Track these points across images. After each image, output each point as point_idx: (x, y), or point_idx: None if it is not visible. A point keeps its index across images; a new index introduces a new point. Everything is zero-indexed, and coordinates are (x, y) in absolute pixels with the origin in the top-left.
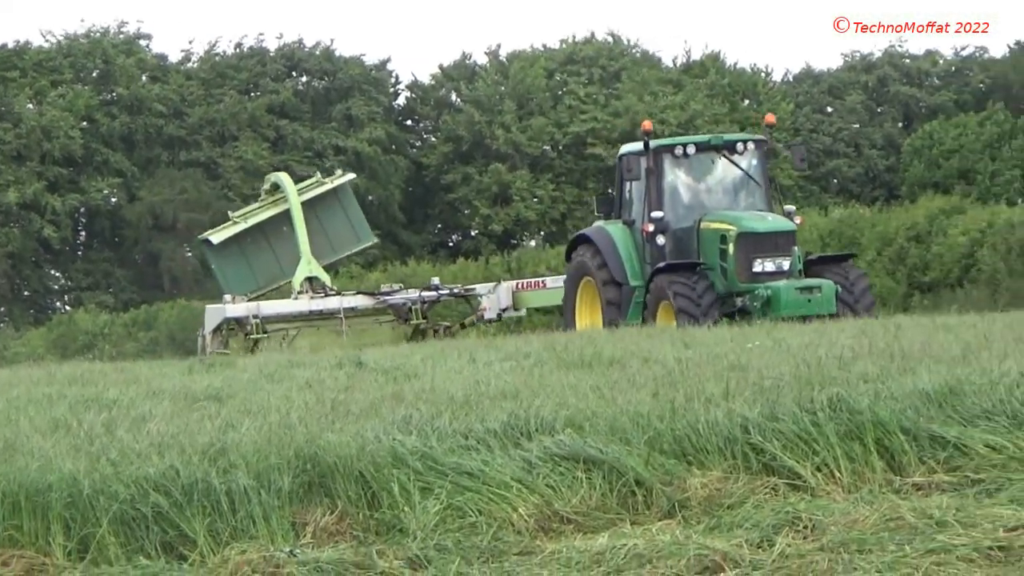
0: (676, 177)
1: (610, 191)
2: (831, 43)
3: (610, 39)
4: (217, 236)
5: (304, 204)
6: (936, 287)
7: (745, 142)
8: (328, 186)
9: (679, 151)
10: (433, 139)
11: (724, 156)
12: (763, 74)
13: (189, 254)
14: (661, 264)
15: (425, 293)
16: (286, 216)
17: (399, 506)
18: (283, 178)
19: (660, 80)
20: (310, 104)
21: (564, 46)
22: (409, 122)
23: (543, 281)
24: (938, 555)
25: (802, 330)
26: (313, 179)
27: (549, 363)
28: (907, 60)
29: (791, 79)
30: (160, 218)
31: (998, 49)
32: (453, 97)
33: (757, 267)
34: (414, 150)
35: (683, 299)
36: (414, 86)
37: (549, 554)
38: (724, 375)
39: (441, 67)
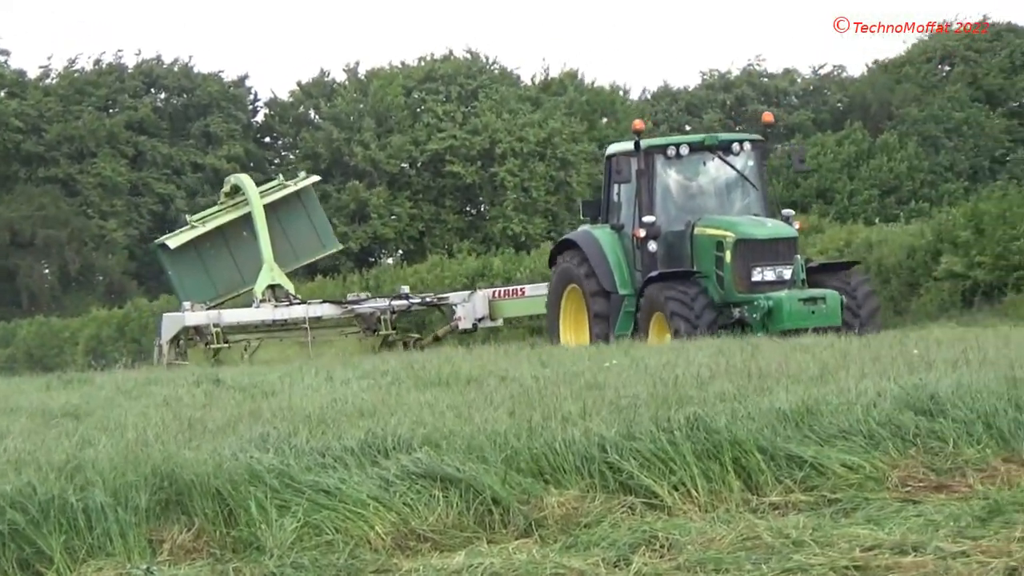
0: (668, 179)
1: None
2: (689, 61)
3: (468, 57)
4: (174, 240)
5: (266, 208)
6: None
7: (741, 142)
8: (291, 188)
9: (672, 151)
10: (292, 156)
11: (719, 157)
12: (621, 92)
13: (47, 271)
14: (654, 273)
15: (395, 302)
16: (246, 220)
17: (256, 524)
18: (244, 180)
19: (518, 98)
20: (168, 121)
21: (423, 64)
22: (267, 139)
23: (522, 289)
24: (795, 575)
25: (660, 349)
26: (275, 181)
27: (406, 381)
28: (765, 79)
29: (649, 97)
30: (18, 234)
31: (856, 68)
32: (312, 114)
33: (756, 276)
34: (272, 167)
35: (679, 316)
36: (272, 103)
37: (405, 572)
38: (581, 394)
39: (299, 84)
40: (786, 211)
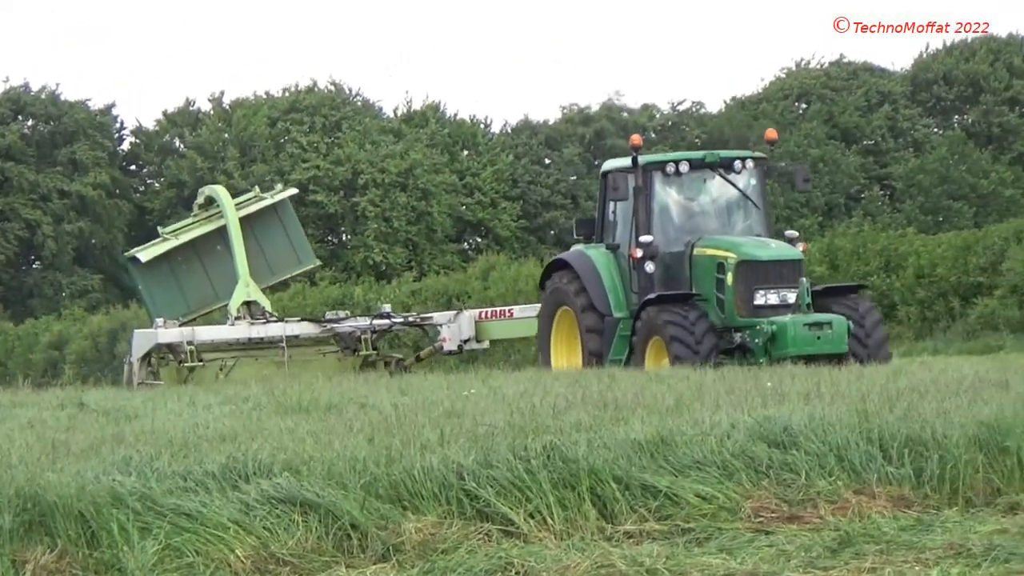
0: (667, 197)
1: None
2: (550, 95)
3: (332, 88)
4: (145, 254)
5: (241, 221)
6: None
7: (743, 160)
8: (267, 201)
9: (671, 168)
10: (157, 184)
11: (720, 175)
12: (482, 125)
13: None
14: (651, 295)
15: (376, 321)
16: (221, 234)
17: (118, 546)
18: (219, 191)
19: (381, 129)
20: (35, 147)
21: (287, 94)
22: (133, 167)
23: (510, 310)
24: None
25: (518, 378)
26: (251, 194)
27: (267, 407)
28: (625, 114)
29: (509, 130)
30: None
31: (714, 104)
32: (177, 143)
33: (759, 299)
34: (138, 194)
35: (678, 342)
36: (138, 131)
37: None
38: (440, 422)
39: (165, 113)
40: (790, 233)
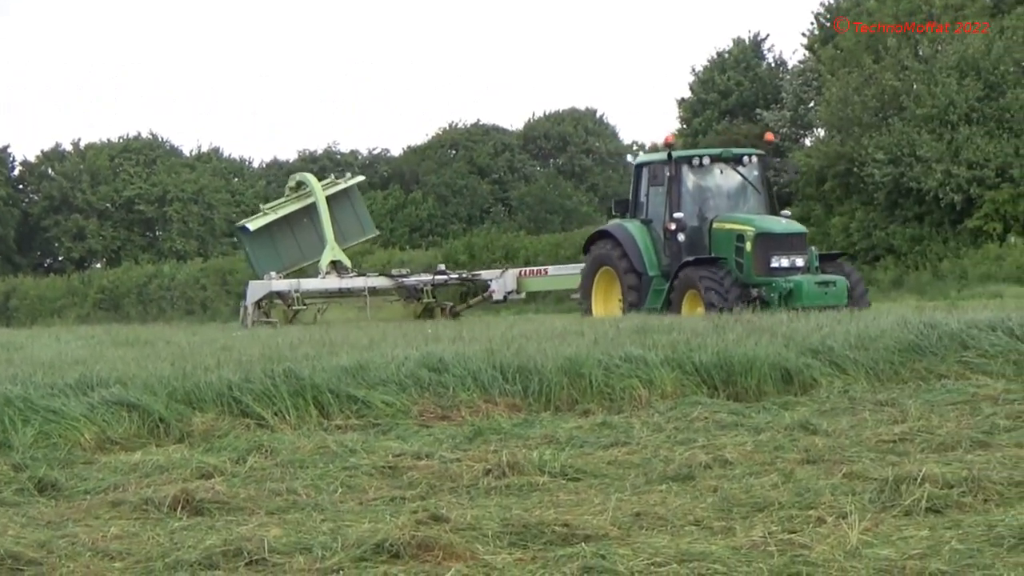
0: (692, 183)
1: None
2: (292, 140)
3: (150, 136)
4: (253, 224)
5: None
6: None
7: (750, 155)
8: (342, 185)
9: (696, 161)
10: (36, 197)
11: (731, 167)
12: (247, 162)
13: None
14: (689, 259)
15: (437, 277)
16: (306, 210)
17: (8, 431)
18: (309, 177)
19: (181, 164)
20: None
21: (121, 140)
22: (21, 186)
23: (545, 269)
24: (351, 471)
25: (254, 330)
26: (328, 179)
27: (107, 342)
28: (339, 155)
29: (264, 165)
30: None
31: (396, 150)
32: (49, 171)
33: (774, 263)
34: (24, 203)
35: (712, 291)
36: (25, 163)
37: (103, 464)
38: (217, 353)
39: (42, 151)
40: (785, 212)
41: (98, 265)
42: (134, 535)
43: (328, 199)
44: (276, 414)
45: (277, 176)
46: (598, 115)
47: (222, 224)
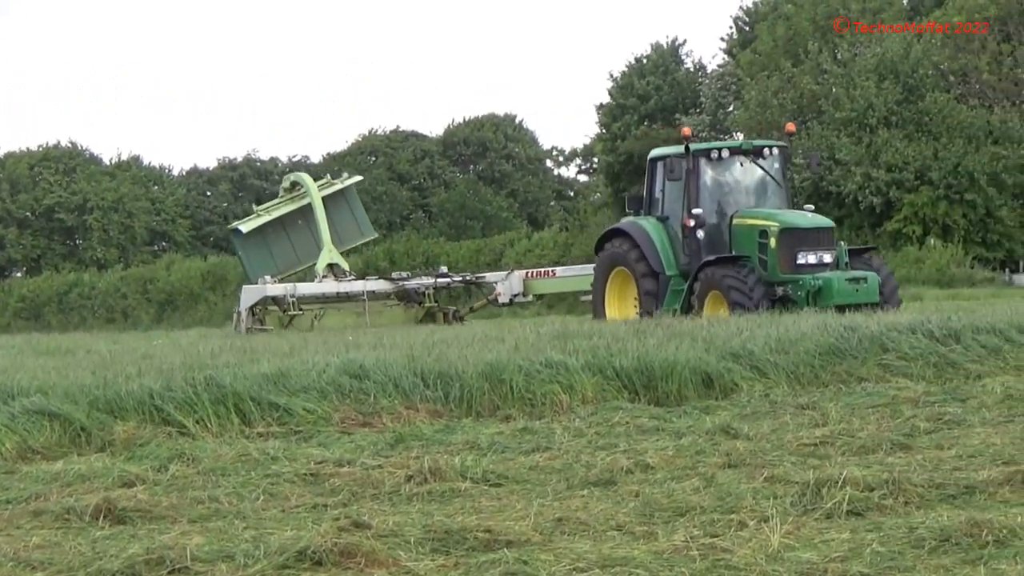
0: (711, 177)
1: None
2: (212, 148)
3: (70, 145)
4: (246, 226)
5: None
6: None
7: (771, 147)
8: (339, 186)
9: (715, 154)
10: None
11: (751, 160)
12: (166, 170)
13: None
14: (710, 258)
15: (439, 280)
16: (301, 211)
17: None
18: (304, 177)
19: (101, 173)
20: None
21: (40, 149)
22: None
23: (552, 271)
24: (273, 478)
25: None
26: (324, 180)
27: (27, 351)
28: (259, 163)
29: (185, 172)
30: None
31: (316, 157)
32: None
33: (801, 259)
34: None
35: (736, 291)
36: None
37: (25, 473)
38: (138, 361)
39: None
40: (807, 206)
41: (18, 274)
42: (56, 544)
43: (324, 200)
44: (198, 422)
45: (197, 184)
46: (517, 120)
47: (142, 232)
